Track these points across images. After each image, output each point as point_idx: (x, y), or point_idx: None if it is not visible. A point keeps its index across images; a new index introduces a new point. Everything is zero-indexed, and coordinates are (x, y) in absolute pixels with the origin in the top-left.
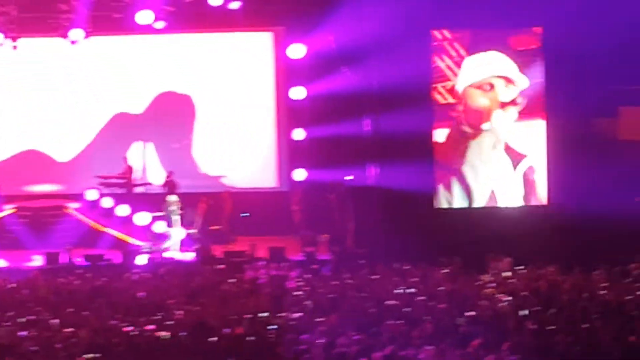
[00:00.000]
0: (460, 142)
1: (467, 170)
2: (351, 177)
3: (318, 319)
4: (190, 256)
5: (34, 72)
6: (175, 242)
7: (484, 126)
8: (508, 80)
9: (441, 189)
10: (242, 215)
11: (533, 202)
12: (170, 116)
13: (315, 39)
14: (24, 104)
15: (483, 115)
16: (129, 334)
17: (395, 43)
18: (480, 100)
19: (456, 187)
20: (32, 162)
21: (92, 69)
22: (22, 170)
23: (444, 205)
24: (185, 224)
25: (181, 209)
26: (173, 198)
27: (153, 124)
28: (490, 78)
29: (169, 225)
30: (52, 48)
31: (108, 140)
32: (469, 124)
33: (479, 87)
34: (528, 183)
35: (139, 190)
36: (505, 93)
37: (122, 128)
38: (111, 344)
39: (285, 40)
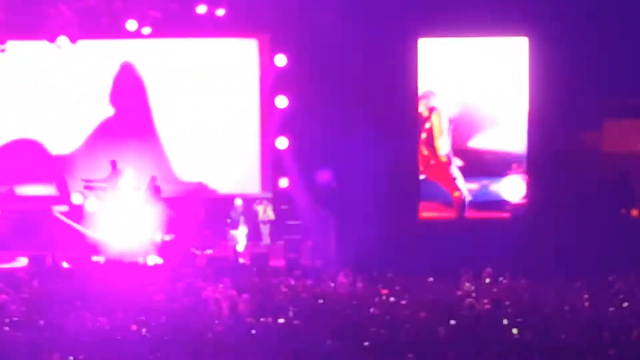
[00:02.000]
0: None
1: None
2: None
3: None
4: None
5: (23, 76)
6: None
7: None
8: None
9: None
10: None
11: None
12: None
13: (301, 46)
14: (12, 107)
15: None
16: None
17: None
18: None
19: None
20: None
21: (80, 73)
22: (8, 169)
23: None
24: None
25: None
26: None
27: (137, 128)
28: None
29: (235, 228)
30: (41, 52)
31: (96, 143)
32: None
33: None
34: None
35: (124, 195)
36: None
37: (111, 132)
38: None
39: (270, 48)
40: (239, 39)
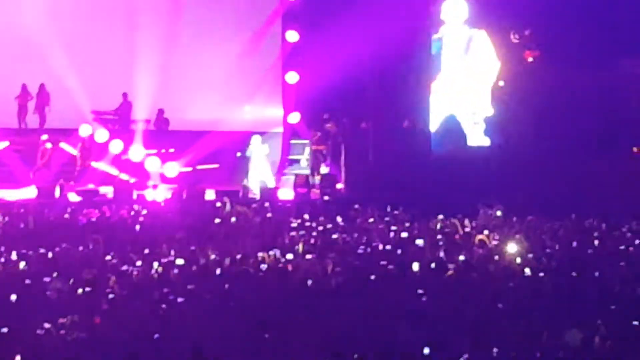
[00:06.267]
0: None
1: None
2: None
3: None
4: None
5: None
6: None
7: None
8: None
9: None
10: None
11: None
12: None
13: None
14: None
15: None
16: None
17: None
18: None
19: None
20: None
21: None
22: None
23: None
24: None
25: None
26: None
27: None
28: None
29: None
30: None
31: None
32: None
33: None
34: None
35: (134, 127)
36: None
37: (122, 62)
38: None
39: None
40: None
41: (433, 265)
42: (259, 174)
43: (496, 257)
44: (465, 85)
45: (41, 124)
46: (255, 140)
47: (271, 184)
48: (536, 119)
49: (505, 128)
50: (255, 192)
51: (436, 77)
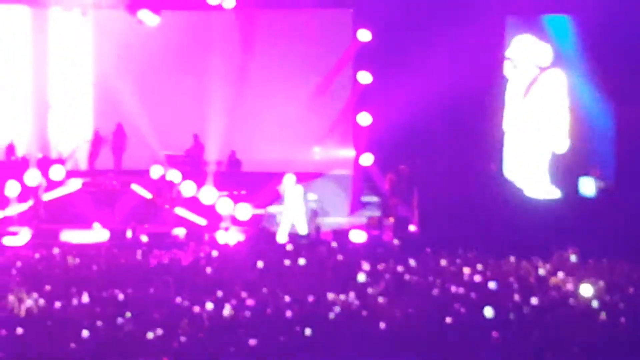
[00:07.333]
0: None
1: None
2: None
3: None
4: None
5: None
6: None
7: None
8: None
9: None
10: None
11: None
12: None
13: (385, 23)
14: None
15: None
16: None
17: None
18: None
19: None
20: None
21: (159, 43)
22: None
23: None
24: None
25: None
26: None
27: (221, 102)
28: None
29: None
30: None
31: (177, 116)
32: None
33: None
34: None
35: (206, 168)
36: None
37: (193, 104)
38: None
39: (354, 22)
40: (322, 11)
41: (507, 307)
42: (291, 215)
43: (571, 301)
44: (536, 125)
45: (116, 164)
46: (289, 179)
47: (302, 230)
48: None
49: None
50: (281, 231)
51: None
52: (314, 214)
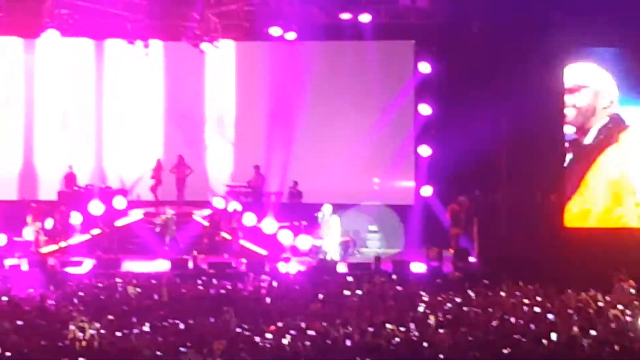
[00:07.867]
0: None
1: None
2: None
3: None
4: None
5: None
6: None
7: None
8: None
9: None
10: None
11: None
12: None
13: (445, 55)
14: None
15: None
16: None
17: None
18: None
19: None
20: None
21: (221, 74)
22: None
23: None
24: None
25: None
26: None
27: (282, 133)
28: None
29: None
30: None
31: (239, 147)
32: None
33: None
34: None
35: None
36: None
37: (251, 135)
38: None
39: (415, 54)
40: (382, 43)
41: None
42: (327, 243)
43: (631, 334)
44: None
45: (179, 196)
46: (326, 209)
47: (334, 256)
48: None
49: None
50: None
51: None
52: (352, 244)
